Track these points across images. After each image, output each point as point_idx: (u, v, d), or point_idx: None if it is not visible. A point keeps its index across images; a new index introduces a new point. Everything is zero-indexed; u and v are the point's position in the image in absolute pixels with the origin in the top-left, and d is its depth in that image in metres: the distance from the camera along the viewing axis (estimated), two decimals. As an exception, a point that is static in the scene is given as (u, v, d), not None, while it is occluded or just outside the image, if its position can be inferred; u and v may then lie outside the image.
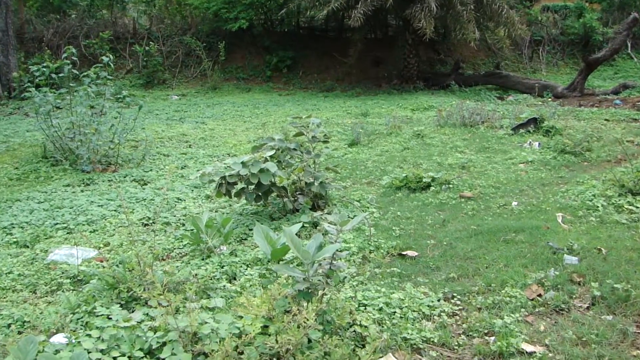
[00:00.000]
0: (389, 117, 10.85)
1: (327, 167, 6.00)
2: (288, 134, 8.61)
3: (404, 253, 4.41)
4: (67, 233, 5.14)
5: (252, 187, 5.21)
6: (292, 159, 5.55)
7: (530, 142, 8.26)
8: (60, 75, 7.97)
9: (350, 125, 10.37)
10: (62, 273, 4.13)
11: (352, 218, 3.38)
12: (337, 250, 3.01)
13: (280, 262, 3.97)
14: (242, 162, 5.02)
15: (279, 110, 13.25)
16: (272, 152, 5.17)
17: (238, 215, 5.48)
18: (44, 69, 8.02)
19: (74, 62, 8.11)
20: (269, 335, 2.67)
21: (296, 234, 4.92)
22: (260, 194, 5.29)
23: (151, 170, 7.60)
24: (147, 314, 2.91)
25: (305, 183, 5.51)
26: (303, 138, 5.68)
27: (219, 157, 8.37)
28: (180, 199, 6.17)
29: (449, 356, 2.99)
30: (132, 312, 3.12)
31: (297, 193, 5.62)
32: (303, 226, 4.98)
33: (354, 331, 3.03)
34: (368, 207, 5.68)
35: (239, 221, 5.28)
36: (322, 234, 4.83)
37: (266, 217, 5.41)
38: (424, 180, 6.27)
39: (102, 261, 4.33)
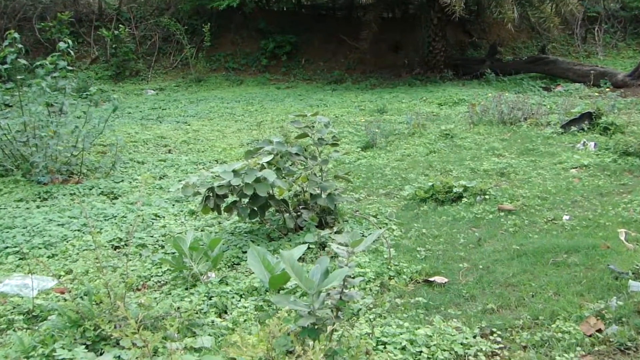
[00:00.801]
0: (410, 114, 10.86)
1: (336, 175, 6.01)
2: (289, 136, 8.69)
3: (431, 279, 4.41)
4: (20, 259, 5.16)
5: (246, 200, 5.23)
6: (294, 166, 5.57)
7: (584, 142, 8.25)
8: (6, 67, 7.99)
9: (364, 124, 10.41)
10: (14, 308, 4.14)
11: (367, 237, 3.39)
12: (348, 276, 3.02)
13: (280, 292, 3.98)
14: (234, 171, 5.05)
15: (277, 106, 13.30)
16: (269, 158, 5.19)
17: (229, 235, 5.50)
18: (-12, 59, 8.06)
19: (21, 50, 8.14)
20: (268, 381, 2.68)
21: (300, 257, 4.93)
22: (255, 208, 5.31)
23: (123, 181, 7.65)
24: (119, 356, 2.93)
25: (311, 195, 5.53)
26: (307, 140, 5.70)
27: (205, 165, 8.40)
28: (159, 216, 6.20)
29: (488, 406, 2.98)
30: (101, 354, 3.13)
31: (301, 207, 5.64)
32: (308, 247, 4.98)
33: (372, 376, 3.03)
34: (387, 224, 5.69)
35: (230, 242, 5.30)
36: (331, 257, 4.84)
37: (263, 236, 5.42)
38: (454, 190, 6.28)
39: (62, 293, 4.34)
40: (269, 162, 5.22)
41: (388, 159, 8.36)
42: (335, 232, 5.24)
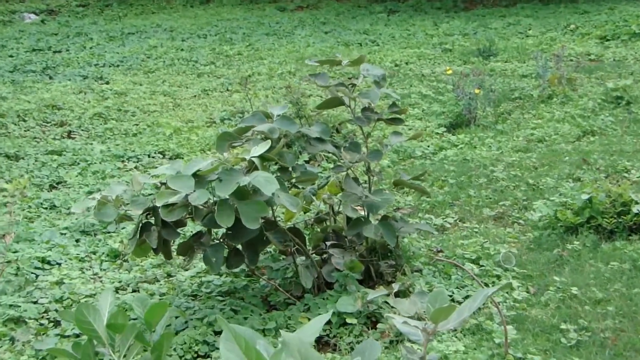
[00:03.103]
0: (544, 59, 10.81)
1: (398, 180, 6.00)
2: (303, 105, 8.64)
3: (591, 388, 4.39)
4: None
5: (222, 232, 5.22)
6: (315, 163, 5.57)
7: None
8: None
9: (451, 79, 10.40)
10: None
11: (461, 304, 3.37)
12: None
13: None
14: (196, 174, 5.05)
15: (279, 46, 13.36)
16: (265, 148, 5.18)
17: (188, 300, 5.51)
18: None
19: None
20: None
21: (325, 342, 4.92)
22: (239, 248, 5.31)
23: (-22, 193, 7.72)
24: None
25: (347, 220, 5.51)
26: (341, 114, 5.69)
27: (139, 162, 8.44)
28: (49, 262, 6.24)
29: None
30: None
31: (329, 244, 5.62)
32: (345, 324, 4.97)
33: None
34: (499, 277, 5.67)
35: (190, 313, 5.30)
36: (389, 342, 4.82)
37: (256, 301, 5.43)
38: (634, 209, 6.23)
39: None
40: (264, 157, 5.20)
41: (500, 147, 8.34)
42: (398, 293, 5.22)
